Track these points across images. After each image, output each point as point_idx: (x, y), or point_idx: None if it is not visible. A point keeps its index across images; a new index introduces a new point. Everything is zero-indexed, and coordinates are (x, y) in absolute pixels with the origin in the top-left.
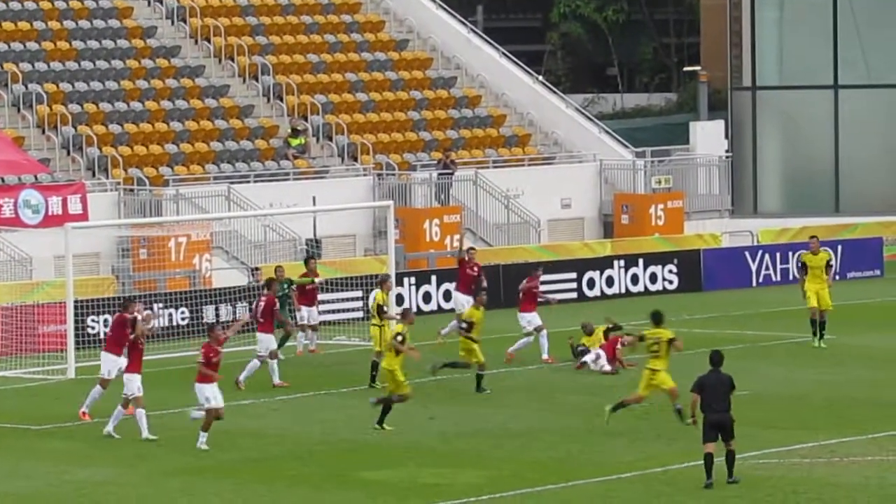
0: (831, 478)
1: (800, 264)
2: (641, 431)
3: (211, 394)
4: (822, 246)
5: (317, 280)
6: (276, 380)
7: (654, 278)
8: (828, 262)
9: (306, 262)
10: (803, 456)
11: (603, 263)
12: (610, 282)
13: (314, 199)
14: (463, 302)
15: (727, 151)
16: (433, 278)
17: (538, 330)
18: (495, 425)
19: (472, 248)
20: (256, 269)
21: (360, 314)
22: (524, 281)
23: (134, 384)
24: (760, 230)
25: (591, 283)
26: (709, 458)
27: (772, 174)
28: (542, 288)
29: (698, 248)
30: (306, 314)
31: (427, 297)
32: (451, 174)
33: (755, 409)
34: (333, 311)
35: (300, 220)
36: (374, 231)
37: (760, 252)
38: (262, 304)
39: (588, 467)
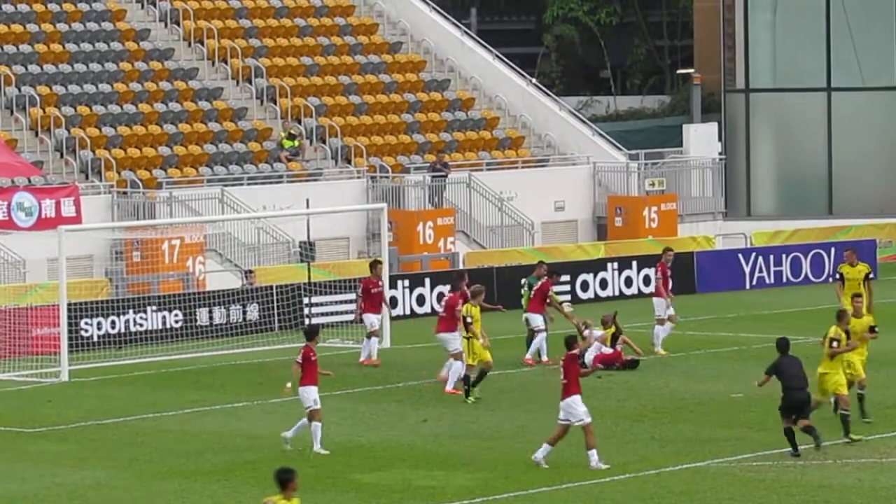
0: (824, 480)
1: (838, 275)
2: (634, 434)
3: (317, 395)
4: (858, 259)
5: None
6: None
7: (647, 281)
8: (867, 275)
9: (373, 266)
10: (796, 458)
11: (596, 266)
12: (604, 284)
13: (308, 201)
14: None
15: (720, 154)
16: (427, 281)
17: (537, 331)
18: (488, 427)
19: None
20: (250, 271)
21: (353, 317)
22: (538, 282)
23: (310, 397)
24: (754, 232)
25: (585, 286)
26: (789, 432)
27: (765, 176)
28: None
29: (691, 250)
30: (375, 320)
31: (421, 300)
32: (445, 177)
33: (748, 412)
34: (327, 314)
35: (294, 223)
36: (367, 233)
37: (754, 254)
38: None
39: (581, 469)
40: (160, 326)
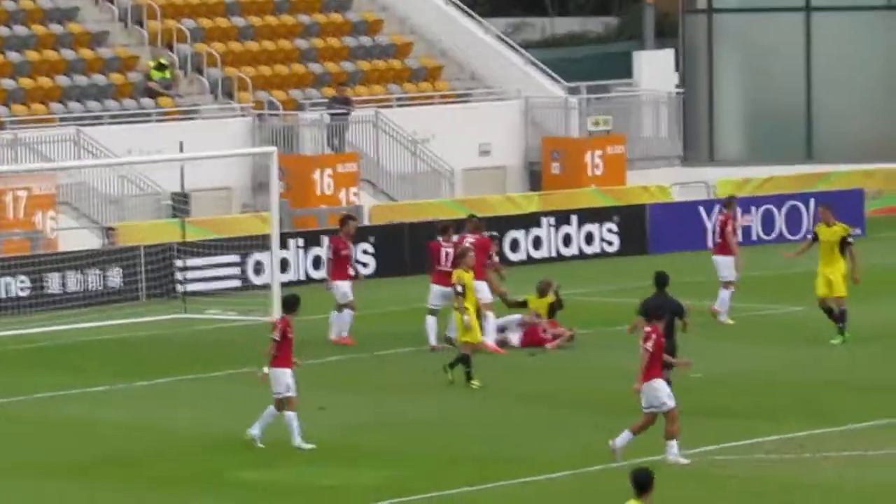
0: (802, 477)
1: (812, 236)
2: (574, 422)
3: (292, 380)
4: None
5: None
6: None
7: (590, 239)
8: (844, 238)
9: (344, 222)
10: (768, 451)
11: (529, 221)
12: (537, 243)
13: (181, 144)
14: None
15: (678, 87)
16: (324, 239)
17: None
18: (405, 416)
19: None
20: (111, 229)
21: (236, 283)
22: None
23: (284, 381)
24: (718, 181)
25: (515, 245)
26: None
27: (731, 114)
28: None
29: (643, 202)
30: (348, 289)
31: (317, 263)
32: (347, 115)
33: (711, 395)
34: (206, 280)
35: (165, 171)
36: (253, 183)
37: (717, 207)
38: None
39: (514, 465)
40: (3, 295)
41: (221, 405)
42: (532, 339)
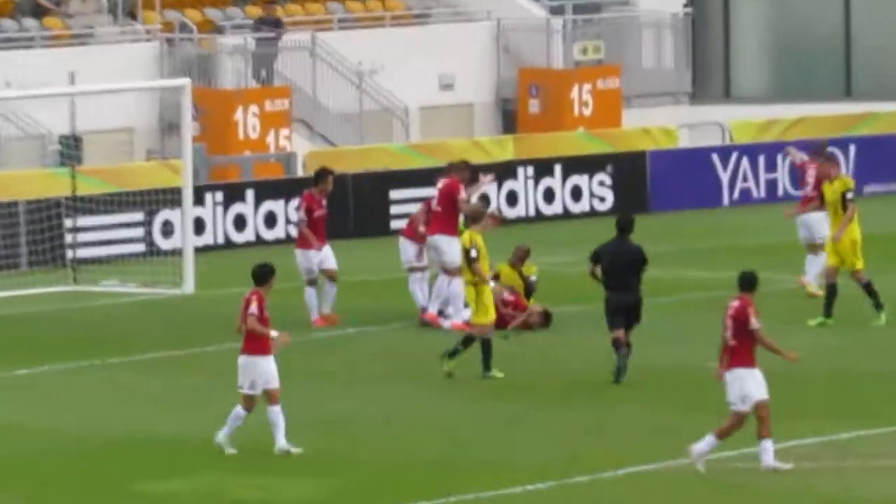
0: (844, 489)
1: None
2: (558, 423)
3: (274, 369)
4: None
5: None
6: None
7: (577, 194)
8: (843, 193)
9: (321, 177)
10: (802, 457)
11: (502, 171)
12: (512, 199)
13: (72, 75)
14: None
15: (686, 7)
16: (249, 194)
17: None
18: (345, 412)
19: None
20: None
21: (140, 247)
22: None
23: (267, 369)
24: (735, 123)
25: (485, 201)
26: (617, 341)
27: (752, 40)
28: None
29: (643, 149)
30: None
31: (240, 222)
32: (277, 39)
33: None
34: (101, 244)
35: (51, 108)
36: (161, 124)
37: (735, 155)
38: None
39: (479, 473)
40: None
41: (119, 400)
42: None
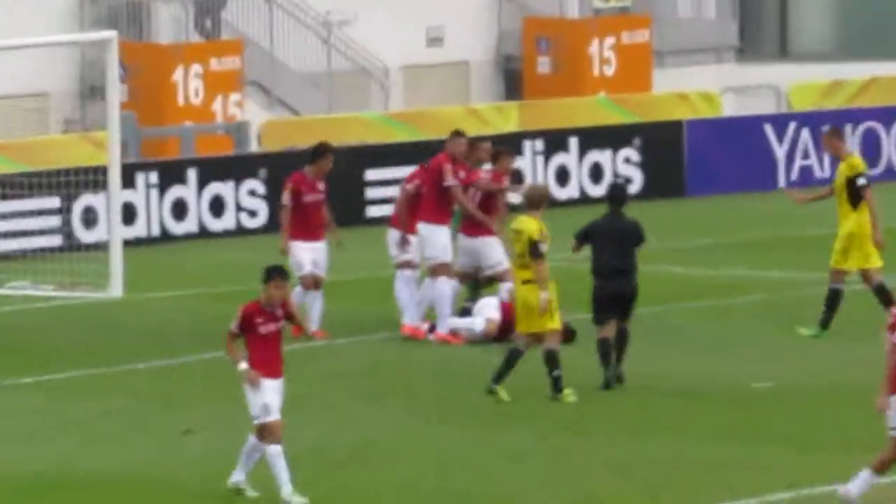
0: None
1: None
2: (576, 454)
3: (278, 397)
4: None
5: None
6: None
7: (597, 174)
8: (852, 178)
9: (320, 154)
10: (873, 502)
11: (504, 145)
12: (516, 180)
13: None
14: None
15: None
16: (191, 174)
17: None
18: (305, 443)
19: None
20: None
21: (56, 239)
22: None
23: (261, 399)
24: (793, 86)
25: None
26: (604, 345)
27: None
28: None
29: (679, 118)
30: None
31: (179, 210)
32: None
33: (781, 414)
34: (8, 236)
35: None
36: (81, 87)
37: (793, 125)
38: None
39: None
40: None
41: (33, 429)
42: (509, 323)
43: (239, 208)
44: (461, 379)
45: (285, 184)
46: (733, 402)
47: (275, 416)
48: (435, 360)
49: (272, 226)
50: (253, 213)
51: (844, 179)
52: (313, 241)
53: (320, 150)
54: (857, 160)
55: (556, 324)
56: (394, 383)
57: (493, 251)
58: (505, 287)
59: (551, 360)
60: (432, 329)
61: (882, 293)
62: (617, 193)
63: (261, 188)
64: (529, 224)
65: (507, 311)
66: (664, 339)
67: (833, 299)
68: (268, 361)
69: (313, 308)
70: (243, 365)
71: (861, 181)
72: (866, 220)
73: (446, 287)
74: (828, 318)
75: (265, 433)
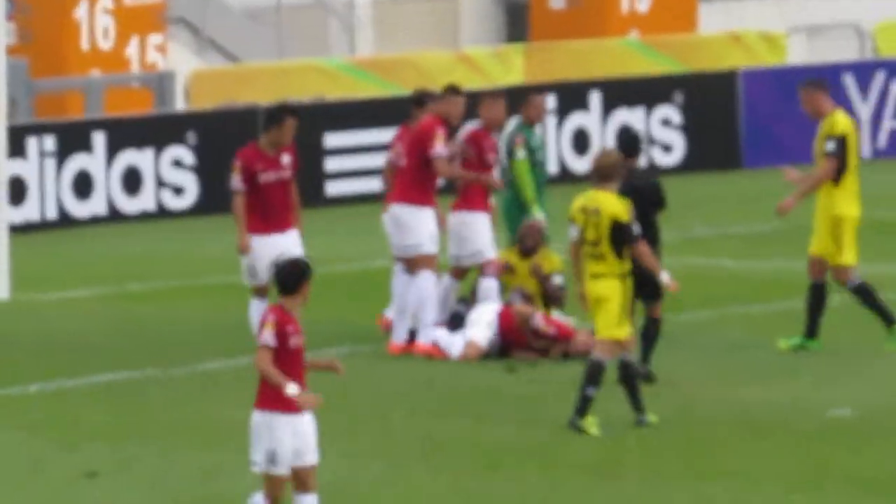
0: None
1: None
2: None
3: (303, 441)
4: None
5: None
6: None
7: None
8: (833, 137)
9: (280, 117)
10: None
11: (520, 97)
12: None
13: None
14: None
15: None
16: (97, 140)
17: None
18: (232, 489)
19: None
20: None
21: None
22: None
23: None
24: (880, 26)
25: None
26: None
27: None
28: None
29: (732, 67)
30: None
31: (83, 185)
32: None
33: (864, 451)
34: None
35: None
36: None
37: (881, 76)
38: None
39: None
40: None
41: None
42: (510, 336)
43: (160, 184)
44: (452, 407)
45: (234, 162)
46: (803, 435)
47: (282, 468)
48: (418, 380)
49: (203, 206)
50: (178, 191)
51: (822, 144)
52: (277, 232)
53: (279, 115)
54: (841, 118)
55: (625, 332)
56: (367, 415)
57: (479, 234)
58: (486, 285)
59: (594, 374)
60: (412, 338)
61: (860, 293)
62: (628, 141)
63: (189, 157)
64: (610, 201)
65: (508, 320)
66: (714, 355)
67: (859, 293)
68: (295, 382)
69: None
70: (294, 388)
71: (829, 145)
72: (848, 197)
73: (430, 285)
74: (811, 324)
75: (273, 485)
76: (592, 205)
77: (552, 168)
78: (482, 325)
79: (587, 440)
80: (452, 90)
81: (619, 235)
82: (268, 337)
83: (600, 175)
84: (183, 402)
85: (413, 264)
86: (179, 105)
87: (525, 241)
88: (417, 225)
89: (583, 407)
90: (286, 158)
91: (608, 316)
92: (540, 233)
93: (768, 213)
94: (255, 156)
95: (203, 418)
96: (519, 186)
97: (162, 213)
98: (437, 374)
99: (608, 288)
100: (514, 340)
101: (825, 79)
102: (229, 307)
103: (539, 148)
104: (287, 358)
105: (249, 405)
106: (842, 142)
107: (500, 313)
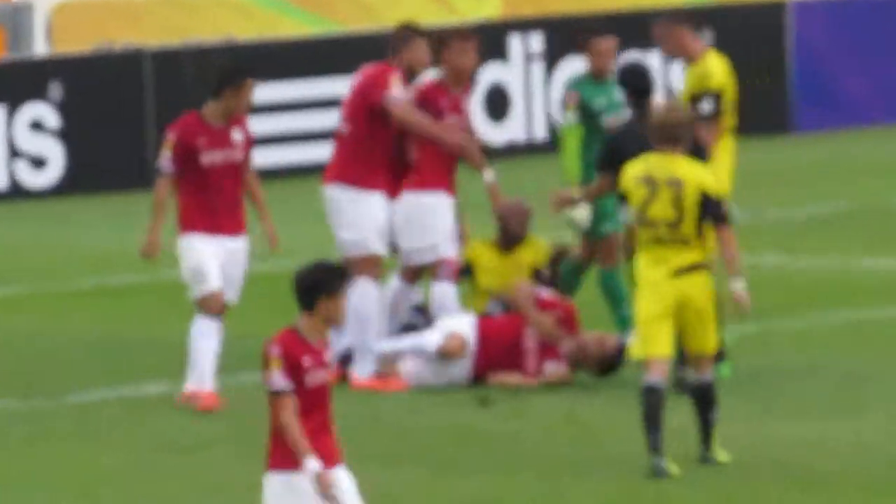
0: None
1: None
2: None
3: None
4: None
5: None
6: None
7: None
8: (698, 96)
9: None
10: None
11: (483, 44)
12: (500, 103)
13: None
14: None
15: None
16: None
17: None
18: None
19: None
20: None
21: None
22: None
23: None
24: None
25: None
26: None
27: None
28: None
29: None
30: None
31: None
32: None
33: None
34: None
35: None
36: None
37: None
38: None
39: None
40: None
41: None
42: (487, 358)
43: (14, 153)
44: (406, 452)
45: (169, 138)
46: (870, 489)
47: None
48: (363, 417)
49: (72, 183)
50: (39, 162)
51: (689, 96)
52: (224, 233)
53: (233, 77)
54: (714, 65)
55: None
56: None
57: (438, 222)
58: (441, 290)
59: (707, 396)
60: (344, 364)
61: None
62: (637, 81)
63: (53, 118)
64: (695, 170)
65: (490, 333)
66: (755, 381)
67: None
68: (318, 437)
69: (206, 354)
70: (314, 464)
71: (706, 106)
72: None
73: (369, 297)
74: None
75: None
76: (664, 174)
77: (537, 133)
78: (463, 324)
79: (582, 492)
80: (411, 30)
81: (706, 213)
82: (277, 381)
83: (667, 136)
84: (49, 441)
85: (358, 267)
86: (40, 48)
87: (509, 225)
88: (357, 214)
89: (710, 433)
90: (238, 135)
91: (713, 325)
92: (527, 215)
93: (828, 189)
94: (198, 128)
95: (75, 463)
96: (562, 163)
97: (16, 192)
98: (385, 410)
99: (705, 288)
100: (495, 361)
101: (692, 13)
102: (109, 318)
103: (605, 111)
104: (307, 401)
105: (133, 447)
106: (718, 99)
107: (478, 324)
